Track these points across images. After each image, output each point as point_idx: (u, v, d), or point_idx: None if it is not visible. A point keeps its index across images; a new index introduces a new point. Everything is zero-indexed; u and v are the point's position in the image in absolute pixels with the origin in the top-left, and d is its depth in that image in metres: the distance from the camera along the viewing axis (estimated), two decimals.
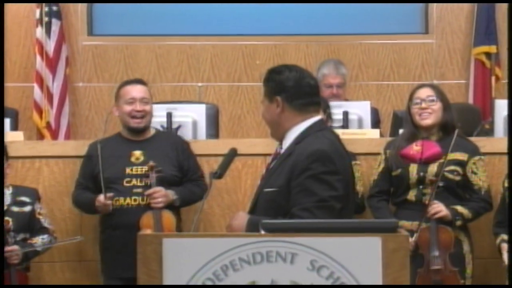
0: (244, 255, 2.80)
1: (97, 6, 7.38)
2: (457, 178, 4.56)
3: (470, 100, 7.14)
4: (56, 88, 7.03)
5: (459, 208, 4.52)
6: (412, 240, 4.37)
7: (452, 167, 4.54)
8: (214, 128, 5.80)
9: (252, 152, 4.94)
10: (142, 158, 4.76)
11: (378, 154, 4.81)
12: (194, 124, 5.36)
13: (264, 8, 7.34)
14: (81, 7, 7.29)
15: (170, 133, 5.17)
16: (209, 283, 2.79)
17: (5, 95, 6.14)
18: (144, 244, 2.83)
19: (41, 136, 6.98)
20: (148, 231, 3.39)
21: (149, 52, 7.30)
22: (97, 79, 7.27)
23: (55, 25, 7.05)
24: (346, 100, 6.19)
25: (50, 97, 7.01)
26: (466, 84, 7.27)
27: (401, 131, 4.95)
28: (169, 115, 5.31)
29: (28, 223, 4.55)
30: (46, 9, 7.02)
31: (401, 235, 2.86)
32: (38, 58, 7.03)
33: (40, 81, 7.02)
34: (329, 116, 4.92)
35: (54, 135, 6.98)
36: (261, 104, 3.50)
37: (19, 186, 4.68)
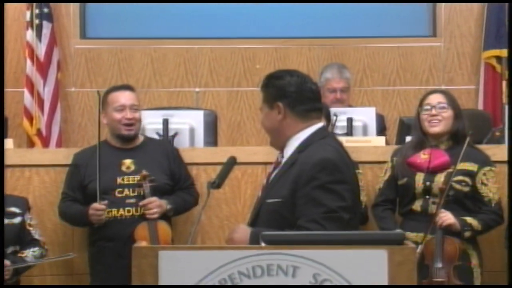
0: (244, 269, 2.80)
1: (90, 8, 7.40)
2: (466, 189, 4.56)
3: (480, 106, 7.14)
4: (47, 93, 7.04)
5: (469, 219, 4.51)
6: (417, 251, 4.37)
7: (460, 178, 4.53)
8: (212, 135, 5.80)
9: (252, 161, 4.95)
10: (133, 167, 4.76)
11: (383, 162, 4.81)
12: (192, 131, 5.37)
13: (264, 10, 7.36)
14: (74, 9, 7.30)
15: (159, 140, 5.18)
16: None
17: None
18: (139, 257, 2.83)
19: (31, 144, 6.98)
20: (144, 243, 3.39)
21: (145, 56, 7.31)
22: (90, 84, 7.28)
23: (46, 27, 7.06)
24: (350, 106, 6.19)
25: (41, 103, 7.01)
26: (475, 89, 7.28)
27: (408, 138, 4.96)
28: (165, 122, 5.31)
29: (18, 235, 4.54)
30: (36, 11, 7.03)
31: (407, 247, 2.86)
32: (29, 62, 7.03)
33: (31, 86, 7.02)
34: (331, 122, 4.93)
35: (45, 143, 6.98)
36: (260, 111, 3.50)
37: (8, 195, 4.64)
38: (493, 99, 7.12)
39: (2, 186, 4.47)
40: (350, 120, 5.50)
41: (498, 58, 7.14)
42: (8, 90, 7.06)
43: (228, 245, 3.26)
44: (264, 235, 2.93)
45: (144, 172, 4.69)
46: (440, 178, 4.54)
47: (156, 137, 5.21)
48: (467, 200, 4.57)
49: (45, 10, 7.07)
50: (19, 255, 4.52)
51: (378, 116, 5.81)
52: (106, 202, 4.61)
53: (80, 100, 7.28)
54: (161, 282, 2.80)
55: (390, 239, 2.92)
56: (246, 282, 2.79)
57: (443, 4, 7.35)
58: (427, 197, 4.54)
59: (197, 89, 7.32)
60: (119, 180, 4.73)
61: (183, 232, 4.89)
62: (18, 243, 4.55)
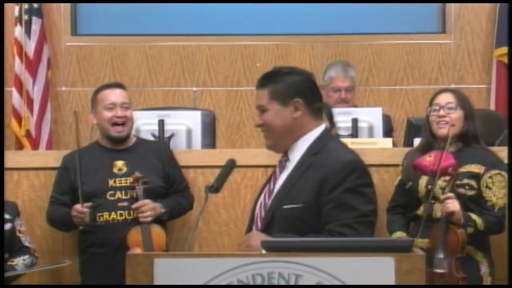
0: (243, 277, 2.80)
1: (81, 3, 7.39)
2: (470, 192, 4.54)
3: (492, 107, 7.14)
4: (36, 93, 7.04)
5: (474, 216, 4.48)
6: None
7: (465, 181, 4.53)
8: (210, 137, 5.80)
9: (252, 164, 4.95)
10: (125, 169, 4.78)
11: (390, 165, 4.82)
12: (189, 132, 5.37)
13: (265, 5, 7.35)
14: (64, 4, 7.29)
15: (152, 141, 5.18)
16: None
17: None
18: (133, 265, 2.83)
19: (20, 146, 6.99)
20: (138, 250, 3.40)
21: (139, 54, 7.31)
22: (82, 83, 7.28)
23: (36, 23, 7.06)
24: (355, 106, 6.20)
25: (30, 103, 7.02)
26: (487, 88, 7.28)
27: (416, 140, 4.96)
28: (161, 123, 5.32)
29: (7, 242, 4.54)
30: (26, 6, 7.03)
31: (416, 255, 2.86)
32: (17, 60, 7.04)
33: (19, 85, 7.02)
34: (333, 124, 4.93)
35: (35, 145, 6.98)
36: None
37: None
38: (505, 99, 7.11)
39: (2, 186, 4.48)
40: (355, 121, 5.50)
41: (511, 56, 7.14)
42: None
43: (226, 253, 3.26)
44: (265, 241, 2.93)
45: (137, 174, 4.70)
46: (442, 181, 4.52)
47: (152, 138, 5.22)
48: (471, 204, 4.55)
49: (35, 5, 7.06)
50: (9, 263, 4.52)
51: (384, 116, 5.82)
52: (89, 204, 4.61)
53: (71, 100, 7.28)
54: None
55: (398, 246, 2.92)
56: None
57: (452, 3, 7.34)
58: (432, 201, 4.54)
59: (194, 88, 7.33)
60: (110, 183, 4.74)
61: (179, 239, 4.89)
62: (8, 250, 4.55)
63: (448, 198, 4.43)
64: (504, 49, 7.11)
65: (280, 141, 3.40)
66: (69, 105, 7.29)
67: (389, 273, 2.79)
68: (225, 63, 7.33)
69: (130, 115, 4.87)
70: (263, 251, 2.89)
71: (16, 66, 7.05)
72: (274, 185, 3.41)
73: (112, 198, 4.72)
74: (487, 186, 4.55)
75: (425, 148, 4.69)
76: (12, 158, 5.06)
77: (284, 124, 3.36)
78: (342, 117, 5.40)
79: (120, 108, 4.81)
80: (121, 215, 4.69)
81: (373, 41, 7.33)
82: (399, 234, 4.58)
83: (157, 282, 2.81)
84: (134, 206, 4.67)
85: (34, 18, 7.06)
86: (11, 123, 7.02)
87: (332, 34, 7.35)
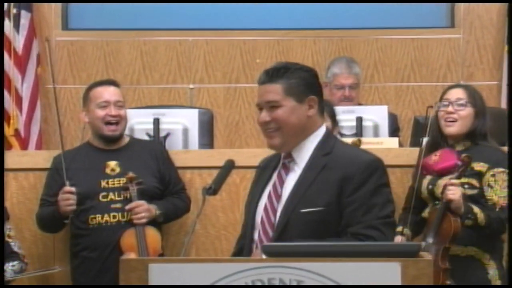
0: (243, 283, 2.80)
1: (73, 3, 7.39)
2: (471, 192, 4.52)
3: (503, 104, 7.14)
4: (25, 90, 7.05)
5: (476, 209, 4.44)
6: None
7: (467, 180, 4.52)
8: (208, 136, 5.81)
9: (251, 164, 4.89)
10: (118, 169, 4.79)
11: (396, 166, 4.82)
12: (185, 131, 5.38)
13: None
14: None
15: (146, 140, 5.19)
16: None
17: None
18: (127, 271, 2.84)
19: (8, 146, 6.98)
20: (132, 255, 3.39)
21: (133, 49, 7.31)
22: (73, 80, 7.29)
23: (25, 17, 7.06)
24: (360, 104, 6.20)
25: (19, 101, 7.02)
26: (498, 85, 7.28)
27: (425, 139, 4.96)
28: (157, 122, 5.32)
29: None
30: None
31: (423, 260, 2.86)
32: (6, 56, 7.04)
33: (8, 83, 7.02)
34: (336, 122, 4.94)
35: (24, 145, 6.99)
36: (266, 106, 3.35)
37: None
38: None
39: (2, 187, 4.48)
40: (359, 120, 5.51)
41: None
42: None
43: (225, 258, 3.26)
44: (265, 246, 2.93)
45: (131, 174, 4.71)
46: (443, 181, 4.51)
47: (146, 138, 5.22)
48: (472, 203, 4.52)
49: None
50: None
51: (390, 115, 5.82)
52: (74, 188, 4.61)
53: (62, 98, 7.27)
54: None
55: (404, 250, 2.92)
56: None
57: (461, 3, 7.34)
58: (436, 202, 4.53)
59: (191, 86, 7.33)
60: (103, 184, 4.75)
61: (176, 243, 4.89)
62: None
63: (451, 184, 4.41)
64: None
65: (290, 139, 3.33)
66: (60, 103, 7.27)
67: (395, 278, 2.79)
68: (224, 59, 7.33)
69: (124, 114, 4.87)
70: (263, 256, 2.89)
71: (4, 62, 7.04)
72: (281, 188, 3.36)
73: (105, 200, 4.73)
74: (488, 185, 4.53)
75: (432, 146, 4.69)
76: None
77: (299, 122, 3.31)
78: (346, 116, 5.41)
79: (114, 107, 4.81)
80: (114, 217, 4.70)
81: (379, 36, 7.34)
82: (399, 229, 4.53)
83: None
84: (127, 207, 4.67)
85: (23, 12, 7.06)
86: None
87: (335, 28, 7.35)
